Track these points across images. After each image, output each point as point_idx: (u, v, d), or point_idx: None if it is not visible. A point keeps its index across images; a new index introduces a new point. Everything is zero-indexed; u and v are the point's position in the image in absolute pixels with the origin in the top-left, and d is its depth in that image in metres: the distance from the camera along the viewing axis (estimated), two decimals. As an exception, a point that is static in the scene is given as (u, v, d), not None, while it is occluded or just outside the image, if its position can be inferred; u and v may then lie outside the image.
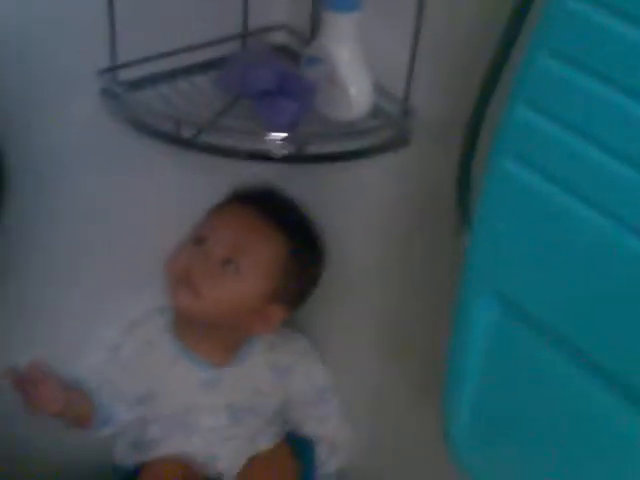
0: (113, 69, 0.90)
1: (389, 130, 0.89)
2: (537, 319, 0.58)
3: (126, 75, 0.91)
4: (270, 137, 0.85)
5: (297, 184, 1.11)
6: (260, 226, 1.05)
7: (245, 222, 1.05)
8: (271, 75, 0.88)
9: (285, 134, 0.86)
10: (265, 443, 1.15)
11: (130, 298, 1.11)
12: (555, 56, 0.53)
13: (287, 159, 0.87)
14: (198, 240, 1.05)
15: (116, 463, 1.17)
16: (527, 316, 0.59)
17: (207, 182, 1.06)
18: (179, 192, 1.06)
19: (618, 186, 0.53)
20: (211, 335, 1.10)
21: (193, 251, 1.05)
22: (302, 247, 1.08)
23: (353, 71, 0.86)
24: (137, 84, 0.92)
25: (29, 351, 1.00)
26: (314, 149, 0.86)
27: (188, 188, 1.06)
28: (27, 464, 1.12)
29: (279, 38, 1.02)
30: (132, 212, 1.03)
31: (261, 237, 1.05)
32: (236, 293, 1.04)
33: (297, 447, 1.20)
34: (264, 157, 0.87)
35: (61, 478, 1.18)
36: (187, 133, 0.86)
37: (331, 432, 1.23)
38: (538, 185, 0.56)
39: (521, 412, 0.62)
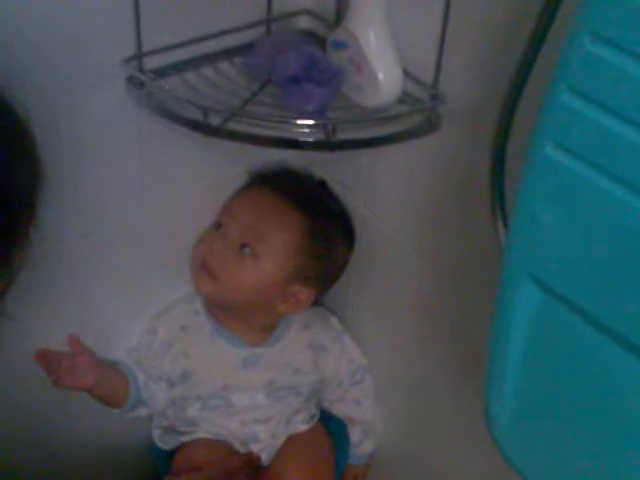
0: (138, 57, 0.89)
1: (418, 115, 0.88)
2: (577, 305, 0.58)
3: (151, 63, 0.90)
4: (298, 124, 0.85)
5: (326, 171, 1.10)
6: (277, 208, 1.04)
7: (261, 204, 1.05)
8: (299, 60, 0.87)
9: (313, 121, 0.85)
10: (302, 424, 1.16)
11: (163, 285, 1.12)
12: (599, 40, 0.52)
13: (315, 146, 0.86)
14: (217, 225, 1.05)
15: (155, 445, 1.18)
16: (567, 301, 0.58)
17: (236, 170, 1.05)
18: (208, 180, 1.05)
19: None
20: (243, 317, 1.10)
21: (212, 237, 1.05)
22: (323, 227, 1.06)
23: (381, 55, 0.85)
24: (162, 72, 0.91)
25: (60, 339, 1.01)
26: (343, 135, 0.85)
27: (217, 176, 1.05)
28: (63, 449, 1.14)
29: (303, 23, 1.01)
30: (161, 200, 1.03)
31: (278, 219, 1.04)
32: (254, 277, 1.04)
33: (331, 428, 1.21)
34: (292, 144, 0.86)
35: (100, 461, 1.19)
36: (214, 121, 0.85)
37: (365, 413, 1.23)
38: (580, 171, 0.55)
39: (564, 396, 0.62)
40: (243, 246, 1.02)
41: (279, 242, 1.03)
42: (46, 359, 0.98)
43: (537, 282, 0.59)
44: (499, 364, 0.66)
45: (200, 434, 1.13)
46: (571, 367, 0.60)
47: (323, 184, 1.11)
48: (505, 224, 0.75)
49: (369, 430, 1.24)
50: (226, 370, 1.11)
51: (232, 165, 1.05)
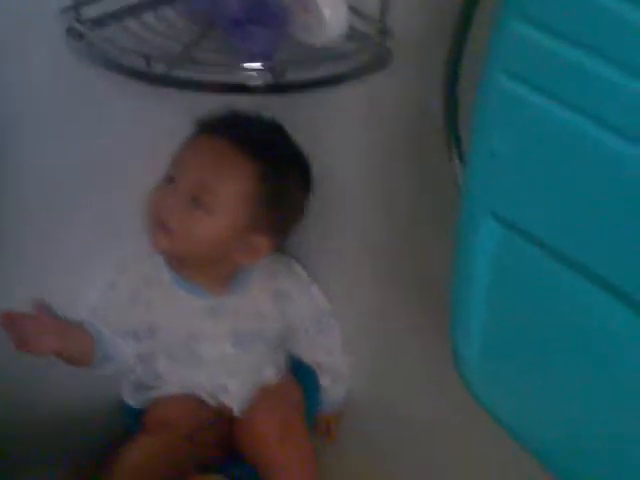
0: (76, 7, 0.85)
1: (367, 52, 0.86)
2: (539, 238, 0.57)
3: (90, 12, 0.86)
4: (245, 67, 0.82)
5: (277, 115, 1.07)
6: (225, 157, 1.01)
7: (209, 155, 1.02)
8: (241, 3, 0.85)
9: (260, 64, 0.82)
10: (271, 374, 1.15)
11: (116, 243, 1.10)
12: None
13: (264, 89, 0.84)
14: (168, 179, 1.02)
15: (124, 403, 1.17)
16: (529, 235, 0.58)
17: (183, 119, 1.02)
18: (155, 131, 1.02)
19: (614, 95, 0.51)
20: (203, 269, 1.09)
21: (165, 192, 1.02)
22: (276, 173, 1.03)
23: (326, -8, 0.83)
24: (102, 21, 0.87)
25: (23, 296, 0.99)
26: (292, 77, 0.83)
27: (164, 125, 1.02)
28: (28, 410, 1.12)
29: (243, -38, 0.98)
30: (106, 156, 1.00)
31: (227, 170, 1.01)
32: (209, 231, 1.02)
33: (301, 377, 1.21)
34: (240, 89, 0.84)
35: (69, 421, 1.18)
36: (158, 68, 0.82)
37: (334, 360, 1.23)
38: (534, 100, 0.54)
39: (530, 331, 0.62)
40: (195, 199, 1.00)
41: (230, 193, 1.01)
42: (11, 322, 0.96)
43: (497, 218, 0.59)
44: (463, 303, 0.65)
45: (170, 388, 1.12)
46: (535, 301, 0.60)
47: (275, 126, 1.07)
48: (461, 161, 0.74)
49: (338, 376, 1.23)
50: (191, 321, 1.10)
51: (179, 114, 1.02)
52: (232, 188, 1.01)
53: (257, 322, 1.13)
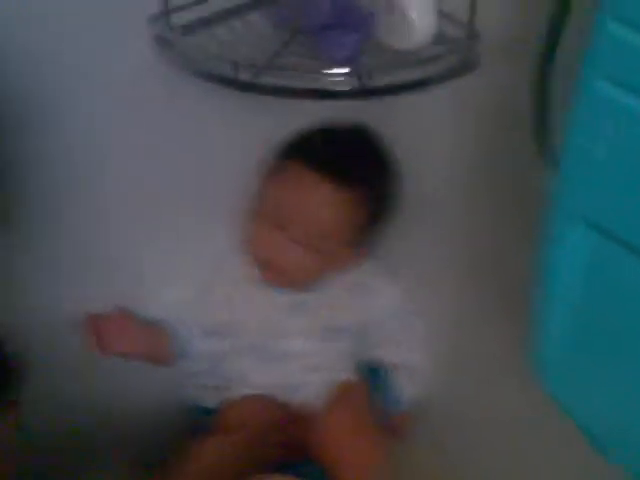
0: (165, 14, 0.87)
1: (455, 56, 0.85)
2: (634, 245, 0.55)
3: (178, 19, 0.88)
4: (331, 73, 0.82)
5: (365, 120, 1.07)
6: (330, 200, 1.02)
7: (311, 197, 1.02)
8: (328, 7, 0.85)
9: (347, 68, 0.82)
10: (346, 372, 1.15)
11: (201, 242, 1.10)
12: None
13: (350, 94, 0.83)
14: (268, 219, 1.04)
15: (193, 403, 1.17)
16: (623, 242, 0.55)
17: (270, 124, 1.03)
18: (242, 136, 1.03)
19: None
20: None
21: (269, 235, 1.04)
22: (374, 193, 1.05)
23: (412, -5, 0.82)
24: (190, 28, 0.89)
25: (110, 291, 1.02)
26: (378, 81, 0.82)
27: (250, 131, 1.03)
28: (98, 408, 1.13)
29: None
30: (194, 163, 1.01)
31: (336, 214, 1.02)
32: (322, 266, 1.06)
33: (375, 376, 1.20)
34: (326, 94, 0.84)
35: (139, 420, 1.19)
36: (245, 75, 0.83)
37: (409, 357, 1.21)
38: (632, 103, 0.52)
39: (617, 337, 0.60)
40: (307, 246, 1.03)
41: (343, 233, 1.04)
42: (93, 324, 0.99)
43: (591, 224, 0.57)
44: (547, 309, 0.64)
45: (244, 389, 1.12)
46: (627, 310, 0.58)
47: (363, 137, 1.07)
48: (551, 164, 0.73)
49: (413, 375, 1.22)
50: (273, 317, 1.11)
51: (265, 121, 1.02)
52: (343, 227, 1.04)
53: (339, 317, 1.13)
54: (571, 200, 0.58)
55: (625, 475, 0.69)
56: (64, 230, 0.95)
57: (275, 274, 1.06)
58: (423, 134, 1.02)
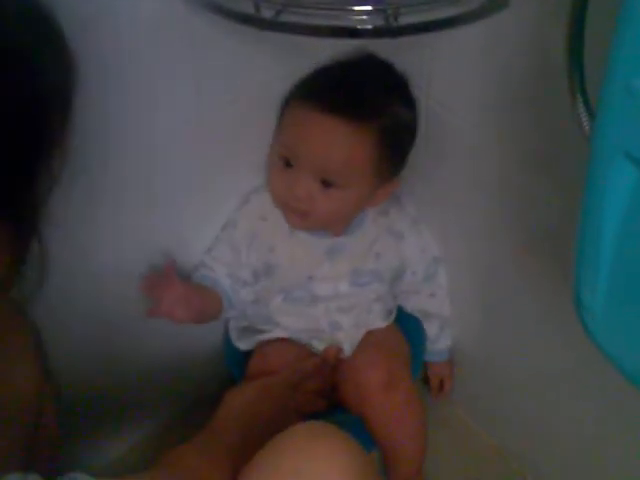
0: (185, -50, 0.84)
1: (485, -8, 0.82)
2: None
3: (198, -44, 0.85)
4: (356, 10, 0.79)
5: (389, 57, 1.04)
6: (341, 132, 0.99)
7: (323, 133, 0.99)
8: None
9: (372, 6, 0.79)
10: (380, 318, 1.16)
11: (231, 183, 1.11)
12: None
13: (376, 32, 0.80)
14: (286, 162, 1.03)
15: (229, 349, 1.19)
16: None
17: (292, 64, 1.01)
18: (263, 77, 1.01)
19: None
20: None
21: (288, 177, 1.03)
22: (392, 124, 1.02)
23: None
24: (210, -36, 0.86)
25: (147, 241, 1.03)
26: (404, 20, 0.80)
27: (271, 72, 1.01)
28: (130, 356, 1.14)
29: None
30: (217, 101, 0.99)
31: (347, 145, 0.99)
32: (345, 202, 1.04)
33: (408, 326, 1.20)
34: (351, 33, 0.81)
35: (171, 368, 1.21)
36: (267, 13, 0.80)
37: (441, 306, 1.23)
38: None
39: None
40: (324, 181, 1.01)
41: (357, 165, 1.01)
42: (149, 286, 1.01)
43: (633, 159, 0.55)
44: (591, 250, 0.62)
45: (279, 332, 1.13)
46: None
47: (367, 61, 1.04)
48: (586, 104, 0.70)
49: (445, 324, 1.23)
50: (310, 262, 1.11)
51: (287, 60, 1.00)
52: (357, 160, 1.00)
53: (374, 261, 1.13)
54: (611, 134, 0.56)
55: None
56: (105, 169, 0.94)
57: (299, 217, 1.05)
58: (453, 75, 0.99)
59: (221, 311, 1.11)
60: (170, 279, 1.01)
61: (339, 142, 0.99)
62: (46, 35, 0.64)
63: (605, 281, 0.61)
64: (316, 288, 1.12)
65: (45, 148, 0.63)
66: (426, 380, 1.30)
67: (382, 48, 1.00)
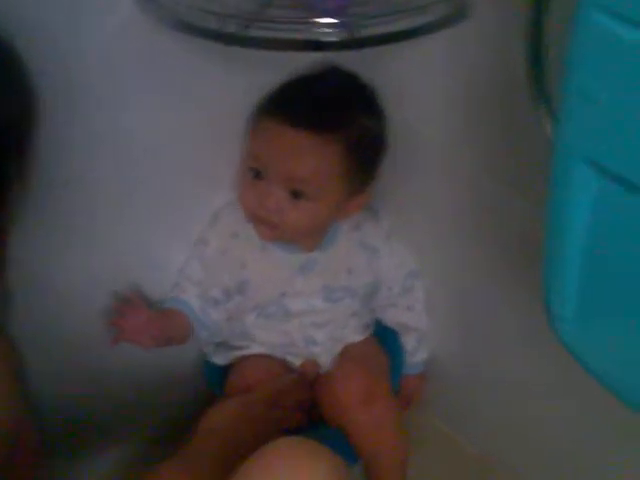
0: (147, -32, 0.85)
1: (446, 4, 0.83)
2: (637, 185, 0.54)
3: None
4: (320, 23, 0.80)
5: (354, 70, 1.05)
6: (307, 147, 0.99)
7: (291, 149, 0.99)
8: (317, -45, 0.82)
9: (336, 19, 0.80)
10: (356, 333, 1.16)
11: (200, 201, 1.11)
12: None
13: (340, 45, 0.81)
14: (255, 173, 1.02)
15: (207, 366, 1.19)
16: (629, 183, 0.54)
17: (261, 79, 1.01)
18: (229, 90, 1.01)
19: None
20: None
21: (257, 188, 1.02)
22: (359, 134, 1.01)
23: (400, -58, 0.80)
24: (174, -20, 0.86)
25: (117, 258, 1.02)
26: (368, 32, 0.80)
27: (238, 86, 1.00)
28: (109, 374, 1.13)
29: None
30: (185, 120, 0.99)
31: (314, 156, 0.99)
32: (315, 214, 1.03)
33: (385, 339, 1.20)
34: (316, 46, 0.82)
35: (151, 386, 1.20)
36: (232, 28, 0.81)
37: (418, 319, 1.23)
38: (632, 37, 0.50)
39: (631, 283, 0.58)
40: (293, 192, 1.00)
41: (326, 177, 1.00)
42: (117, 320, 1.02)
43: (594, 166, 0.55)
44: (558, 259, 0.62)
45: (255, 348, 1.13)
46: (636, 252, 0.56)
47: (331, 74, 1.03)
48: (550, 112, 0.71)
49: (423, 337, 1.23)
50: (283, 278, 1.11)
51: (254, 75, 1.00)
52: (324, 171, 1.00)
53: (347, 277, 1.13)
54: (572, 141, 0.56)
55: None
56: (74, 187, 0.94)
57: (269, 228, 1.04)
58: (421, 86, 1.00)
59: (189, 334, 1.10)
60: (134, 306, 1.03)
61: (305, 154, 0.99)
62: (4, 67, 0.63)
63: (574, 289, 0.62)
64: (289, 304, 1.11)
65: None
66: (397, 391, 1.29)
67: (350, 60, 1.00)
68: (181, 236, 1.12)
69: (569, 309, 0.63)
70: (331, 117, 1.00)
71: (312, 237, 1.10)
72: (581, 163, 0.56)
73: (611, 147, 0.54)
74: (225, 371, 1.14)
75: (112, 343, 1.02)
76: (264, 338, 1.13)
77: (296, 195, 1.00)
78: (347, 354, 1.14)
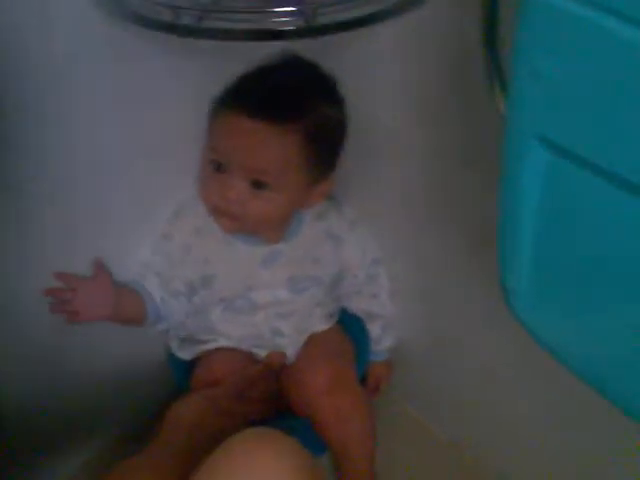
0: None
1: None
2: (590, 160, 0.54)
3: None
4: (276, 12, 0.80)
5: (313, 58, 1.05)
6: (267, 136, 0.98)
7: (249, 137, 0.99)
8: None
9: (292, 7, 0.80)
10: (321, 322, 1.17)
11: (162, 195, 1.10)
12: None
13: (297, 34, 0.81)
14: (216, 165, 1.02)
15: (173, 360, 1.19)
16: (579, 158, 0.54)
17: (221, 70, 1.00)
18: (192, 84, 1.01)
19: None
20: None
21: (218, 180, 1.02)
22: (317, 122, 1.01)
23: None
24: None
25: (76, 253, 1.01)
26: (324, 20, 0.80)
27: (201, 78, 1.00)
28: (73, 367, 1.12)
29: None
30: (143, 114, 0.99)
31: (274, 147, 0.99)
32: (279, 203, 1.02)
33: (351, 327, 1.21)
34: (273, 35, 0.81)
35: (117, 381, 1.19)
36: (187, 20, 0.80)
37: (383, 307, 1.23)
38: (576, 10, 0.50)
39: (583, 258, 0.59)
40: (255, 183, 1.00)
41: (286, 166, 1.00)
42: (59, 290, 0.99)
43: (545, 142, 0.56)
44: (512, 235, 0.63)
45: (221, 342, 1.14)
46: (588, 227, 0.57)
47: (290, 63, 1.02)
48: (503, 89, 0.72)
49: (388, 324, 1.24)
50: (248, 271, 1.11)
51: (211, 66, 1.00)
52: (284, 161, 1.00)
53: (312, 267, 1.13)
54: (522, 118, 0.57)
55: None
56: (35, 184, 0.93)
57: (230, 220, 1.04)
58: (379, 73, 1.00)
59: (144, 317, 1.07)
60: (84, 278, 1.01)
61: (264, 144, 0.99)
62: None
63: (527, 264, 0.63)
64: (255, 297, 1.11)
65: None
66: (363, 379, 1.30)
67: (310, 49, 1.00)
68: (144, 229, 1.11)
69: (523, 284, 0.64)
70: (288, 107, 0.99)
71: (275, 228, 1.10)
72: (532, 139, 0.56)
73: (560, 123, 0.55)
74: (191, 365, 1.14)
75: (70, 319, 0.99)
76: (230, 332, 1.13)
77: (257, 186, 1.00)
78: (312, 343, 1.14)
